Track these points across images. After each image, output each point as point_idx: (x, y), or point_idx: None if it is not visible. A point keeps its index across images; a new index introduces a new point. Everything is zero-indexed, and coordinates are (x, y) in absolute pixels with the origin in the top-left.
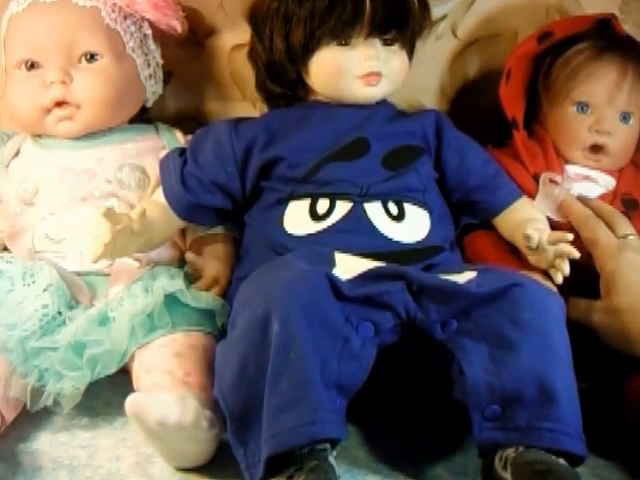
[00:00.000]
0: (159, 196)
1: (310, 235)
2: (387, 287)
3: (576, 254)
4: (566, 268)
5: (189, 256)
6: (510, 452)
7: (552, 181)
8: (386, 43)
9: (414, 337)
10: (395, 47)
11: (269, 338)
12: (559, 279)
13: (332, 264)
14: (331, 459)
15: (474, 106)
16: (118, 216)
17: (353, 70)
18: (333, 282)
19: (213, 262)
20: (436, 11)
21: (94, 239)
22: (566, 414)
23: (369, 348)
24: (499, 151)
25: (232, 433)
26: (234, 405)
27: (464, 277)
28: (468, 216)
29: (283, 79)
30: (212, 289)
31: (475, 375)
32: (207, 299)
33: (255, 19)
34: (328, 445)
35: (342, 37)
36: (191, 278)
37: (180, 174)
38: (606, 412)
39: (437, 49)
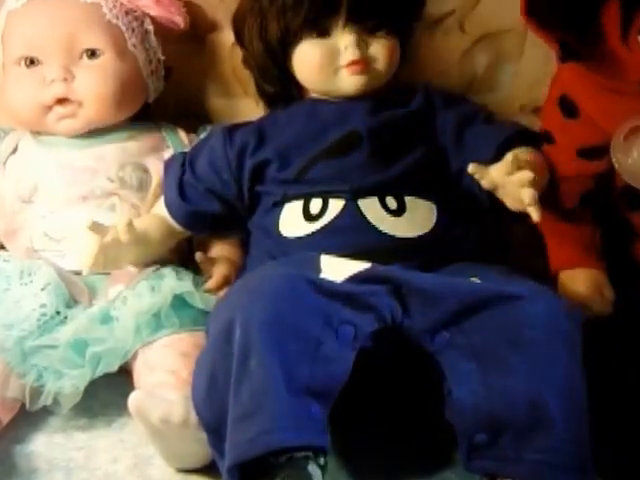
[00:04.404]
0: (159, 206)
1: (305, 236)
2: (372, 288)
3: (530, 175)
4: (528, 197)
5: (199, 256)
6: None
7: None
8: (370, 31)
9: (403, 346)
10: (381, 34)
11: (233, 346)
12: (536, 216)
13: (318, 270)
14: (311, 468)
15: (482, 103)
16: (105, 229)
17: (335, 60)
18: (312, 282)
19: (223, 262)
20: (443, 6)
21: (83, 251)
22: (564, 446)
23: (346, 351)
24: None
25: (210, 445)
26: (207, 417)
27: None
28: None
29: (271, 79)
30: (222, 289)
31: (463, 399)
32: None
33: (236, 24)
34: (310, 453)
35: (318, 28)
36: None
37: (179, 183)
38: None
39: (445, 44)
